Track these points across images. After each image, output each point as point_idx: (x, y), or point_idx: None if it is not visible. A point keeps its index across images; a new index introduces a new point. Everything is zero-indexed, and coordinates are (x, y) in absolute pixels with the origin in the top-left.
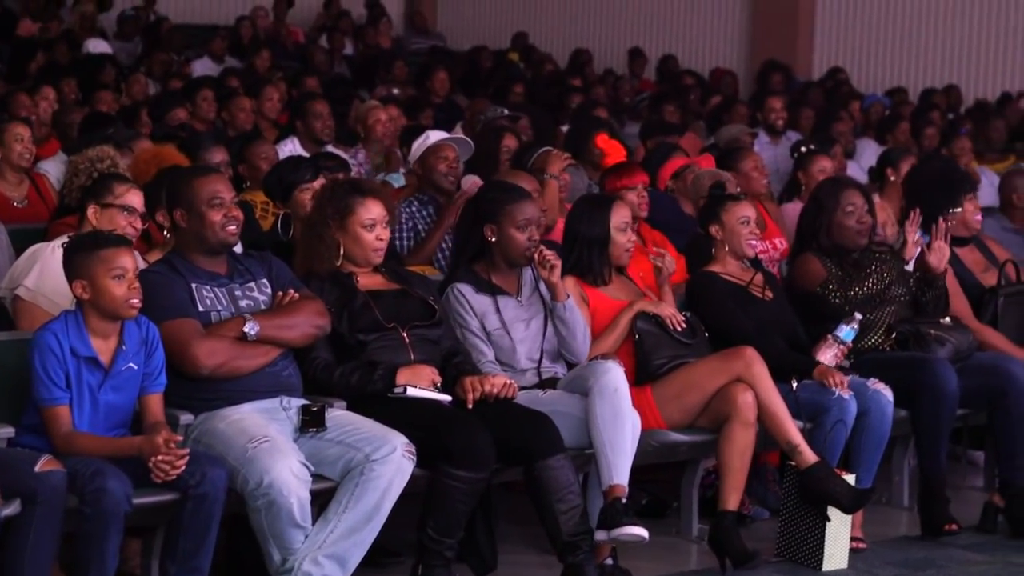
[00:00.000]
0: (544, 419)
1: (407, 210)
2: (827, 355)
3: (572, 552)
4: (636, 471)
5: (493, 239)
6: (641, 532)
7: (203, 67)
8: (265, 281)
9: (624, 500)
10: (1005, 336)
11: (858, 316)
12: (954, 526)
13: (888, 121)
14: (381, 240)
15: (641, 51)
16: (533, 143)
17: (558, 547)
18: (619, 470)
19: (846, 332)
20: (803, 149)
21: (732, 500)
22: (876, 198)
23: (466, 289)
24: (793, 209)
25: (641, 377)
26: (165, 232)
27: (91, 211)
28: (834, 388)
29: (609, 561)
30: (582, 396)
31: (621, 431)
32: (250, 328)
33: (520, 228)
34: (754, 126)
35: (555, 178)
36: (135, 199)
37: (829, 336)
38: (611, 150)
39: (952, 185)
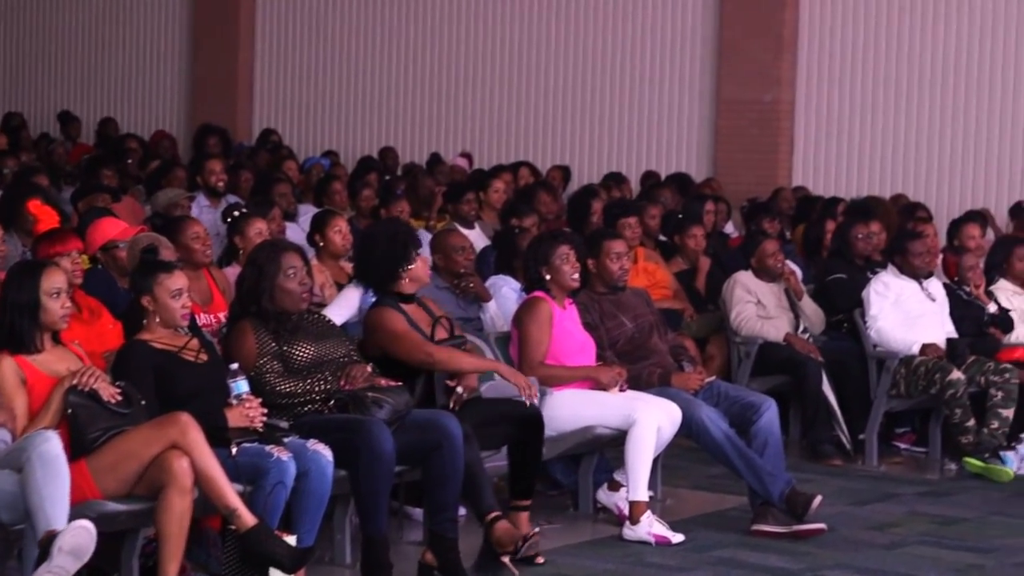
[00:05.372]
0: None
1: None
2: (234, 415)
3: None
4: None
5: None
6: None
7: None
8: None
9: None
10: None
11: (233, 366)
12: None
13: (323, 183)
14: None
15: (72, 114)
16: None
17: None
18: None
19: (237, 386)
20: (236, 213)
21: (172, 568)
22: (313, 260)
23: None
24: (233, 273)
25: (77, 451)
26: None
27: None
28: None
29: None
30: (15, 471)
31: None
32: None
33: None
34: (194, 189)
35: None
36: None
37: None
38: (43, 216)
39: (405, 243)
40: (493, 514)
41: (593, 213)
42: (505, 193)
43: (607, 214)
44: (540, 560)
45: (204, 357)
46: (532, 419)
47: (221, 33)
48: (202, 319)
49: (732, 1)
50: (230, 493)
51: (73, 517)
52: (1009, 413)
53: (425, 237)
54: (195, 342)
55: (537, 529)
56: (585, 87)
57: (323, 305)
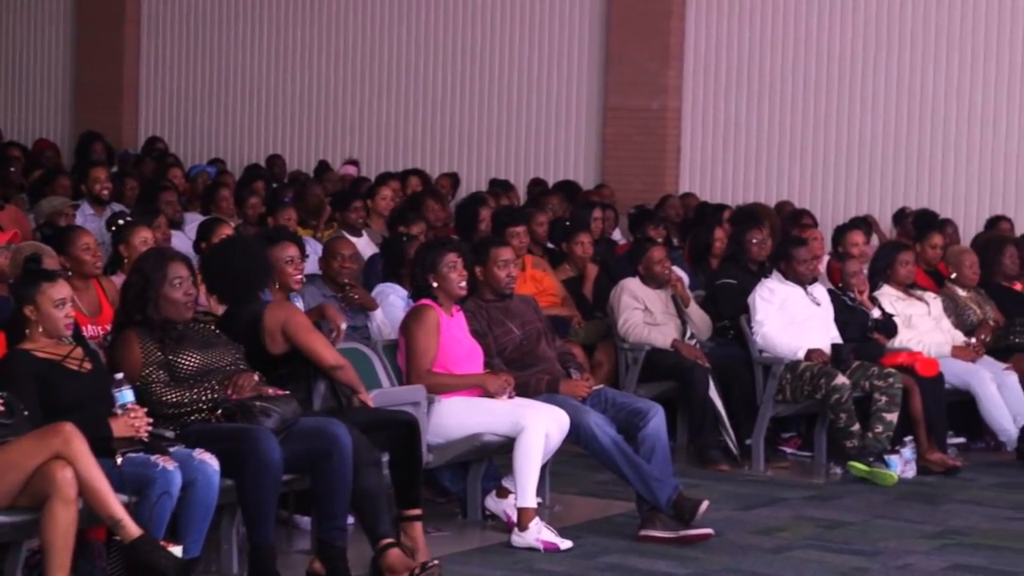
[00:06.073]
0: None
1: None
2: (118, 425)
3: None
4: None
5: None
6: None
7: None
8: None
9: None
10: None
11: (118, 376)
12: None
13: (211, 191)
14: None
15: None
16: None
17: None
18: None
19: (122, 396)
20: (120, 222)
21: None
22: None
23: None
24: (119, 282)
25: None
26: None
27: None
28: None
29: None
30: None
31: None
32: None
33: None
34: (78, 198)
35: None
36: None
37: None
38: None
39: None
40: (386, 541)
41: (481, 220)
42: (392, 200)
43: (495, 221)
44: None
45: (88, 366)
46: (407, 424)
47: (105, 40)
48: (89, 331)
49: (619, 9)
50: (115, 503)
51: None
52: (893, 417)
53: (315, 246)
54: (79, 351)
55: (436, 561)
56: (473, 94)
57: (209, 314)
